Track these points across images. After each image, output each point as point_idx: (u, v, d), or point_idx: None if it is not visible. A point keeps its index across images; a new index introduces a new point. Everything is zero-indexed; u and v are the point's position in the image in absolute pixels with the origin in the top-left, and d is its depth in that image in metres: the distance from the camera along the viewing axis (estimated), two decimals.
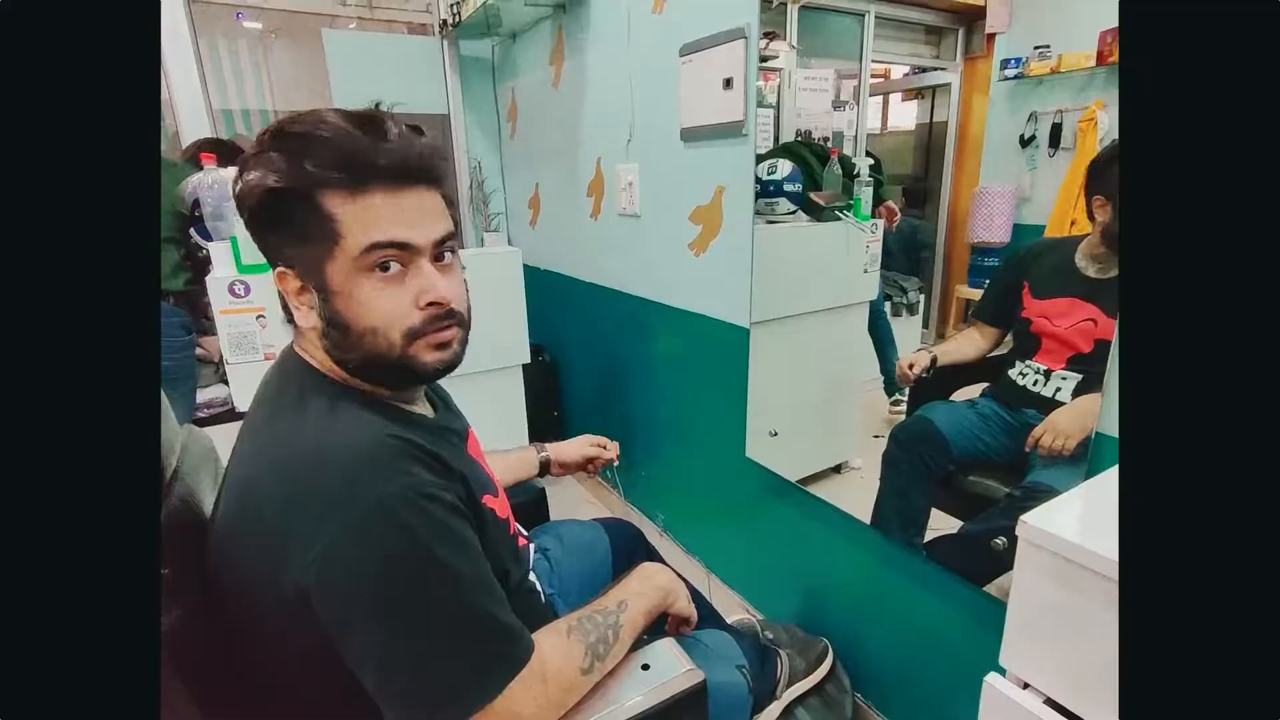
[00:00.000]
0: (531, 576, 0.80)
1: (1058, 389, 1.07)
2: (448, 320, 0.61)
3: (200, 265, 1.59)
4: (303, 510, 0.52)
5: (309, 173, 0.54)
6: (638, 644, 0.67)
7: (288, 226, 0.56)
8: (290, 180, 0.54)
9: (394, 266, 0.57)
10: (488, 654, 0.54)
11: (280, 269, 0.58)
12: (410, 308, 0.59)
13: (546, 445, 1.07)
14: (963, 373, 1.29)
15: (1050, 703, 0.56)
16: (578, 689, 0.60)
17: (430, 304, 0.59)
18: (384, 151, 0.55)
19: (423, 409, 0.69)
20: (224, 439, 0.76)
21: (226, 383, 1.58)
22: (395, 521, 0.51)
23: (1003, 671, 0.61)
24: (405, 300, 0.58)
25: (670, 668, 0.62)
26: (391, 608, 0.52)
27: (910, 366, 1.24)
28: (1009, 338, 1.22)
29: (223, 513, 0.59)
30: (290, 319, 0.62)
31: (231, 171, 1.52)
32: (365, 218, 0.55)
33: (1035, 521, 0.55)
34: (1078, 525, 0.54)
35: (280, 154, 0.54)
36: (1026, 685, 0.58)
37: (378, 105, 0.59)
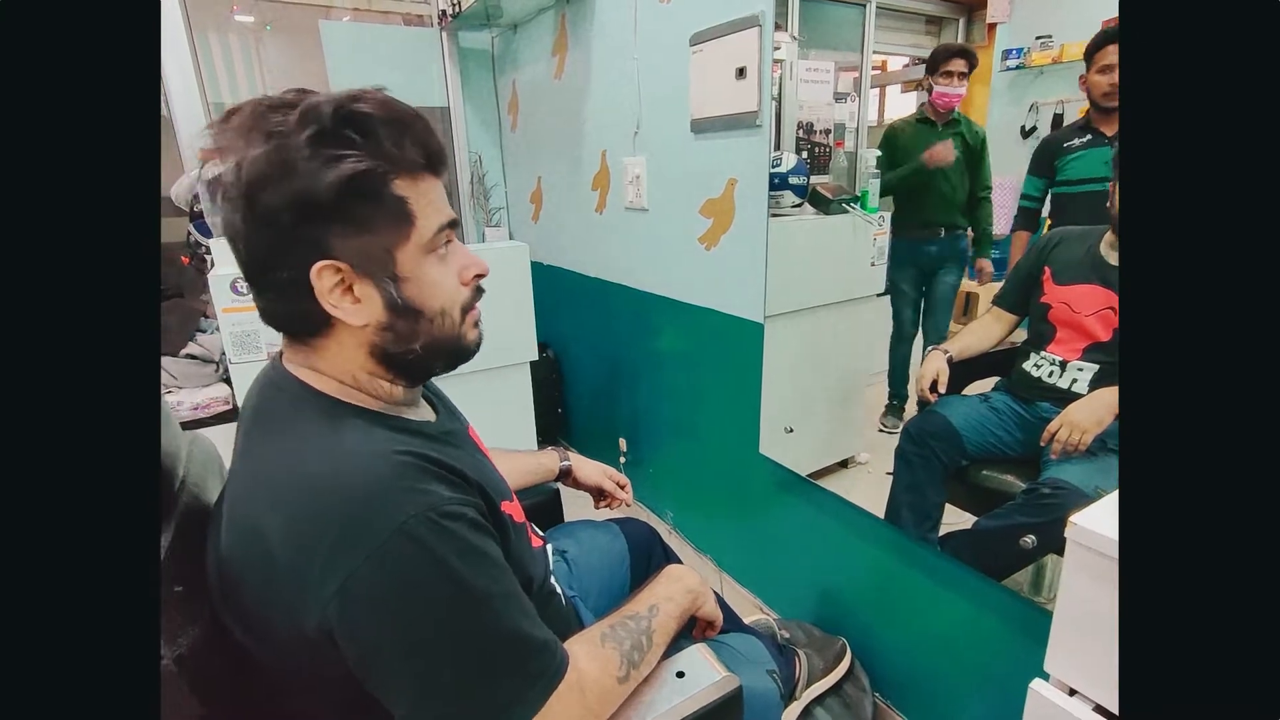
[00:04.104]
0: (552, 579, 0.78)
1: (1074, 380, 1.06)
2: (481, 294, 0.63)
3: (199, 263, 1.56)
4: (316, 544, 0.48)
5: (397, 155, 0.52)
6: (669, 650, 0.66)
7: (350, 215, 0.51)
8: (382, 163, 0.51)
9: (444, 247, 0.58)
10: (524, 674, 0.52)
11: (323, 264, 0.51)
12: (458, 285, 0.59)
13: (570, 455, 1.05)
14: (975, 367, 1.28)
15: (1100, 710, 0.55)
16: (614, 698, 0.58)
17: (477, 276, 0.61)
18: (436, 138, 0.56)
19: (425, 414, 0.66)
20: (226, 438, 0.73)
21: (228, 382, 1.55)
22: (417, 546, 0.48)
23: (1046, 677, 0.59)
24: (456, 278, 0.59)
25: (706, 675, 0.61)
26: (421, 639, 0.49)
27: (933, 385, 1.21)
28: (1022, 329, 1.21)
29: (227, 552, 0.54)
30: (300, 329, 0.56)
31: None
32: (426, 200, 0.55)
33: (1085, 523, 0.54)
34: None
35: (363, 138, 0.51)
36: (1074, 692, 0.57)
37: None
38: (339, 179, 0.49)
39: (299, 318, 0.55)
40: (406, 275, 0.55)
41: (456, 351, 0.62)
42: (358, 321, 0.55)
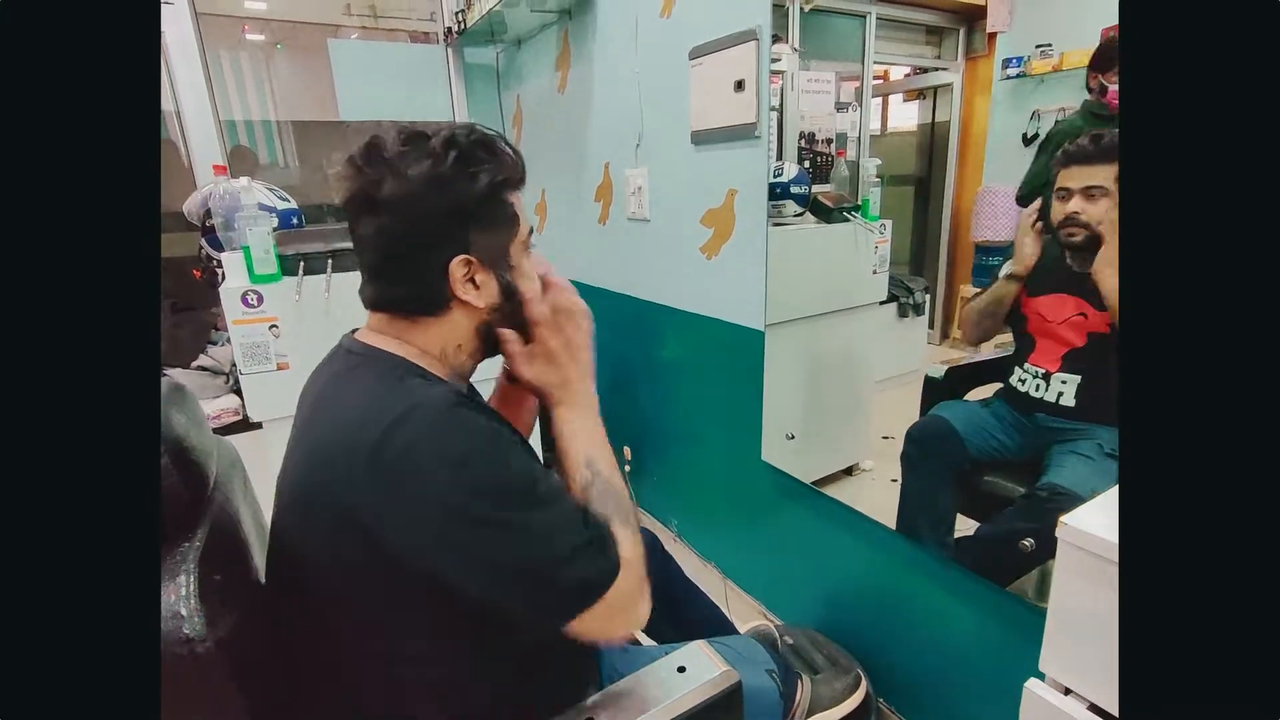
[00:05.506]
0: None
1: (1060, 393, 1.07)
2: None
3: (210, 276, 1.59)
4: (385, 434, 0.54)
5: (510, 169, 0.64)
6: (671, 649, 0.67)
7: (484, 216, 0.63)
8: (505, 174, 0.63)
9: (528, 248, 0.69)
10: (592, 546, 0.59)
11: (462, 256, 0.62)
12: (535, 278, 0.70)
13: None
14: (975, 374, 1.29)
15: (1094, 709, 0.55)
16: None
17: (543, 276, 0.71)
18: (522, 158, 0.67)
19: None
20: (240, 446, 0.80)
21: (238, 393, 1.58)
22: (471, 424, 0.57)
23: (1042, 677, 0.60)
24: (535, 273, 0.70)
25: (706, 670, 0.62)
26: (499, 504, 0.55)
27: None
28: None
29: (299, 478, 0.60)
30: (421, 309, 0.64)
31: (243, 181, 1.53)
32: (521, 207, 0.67)
33: (1075, 523, 0.55)
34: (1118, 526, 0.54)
35: (490, 155, 0.63)
36: (1068, 691, 0.58)
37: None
38: (484, 187, 0.62)
39: (427, 300, 0.64)
40: (514, 265, 0.67)
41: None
42: (481, 303, 0.65)
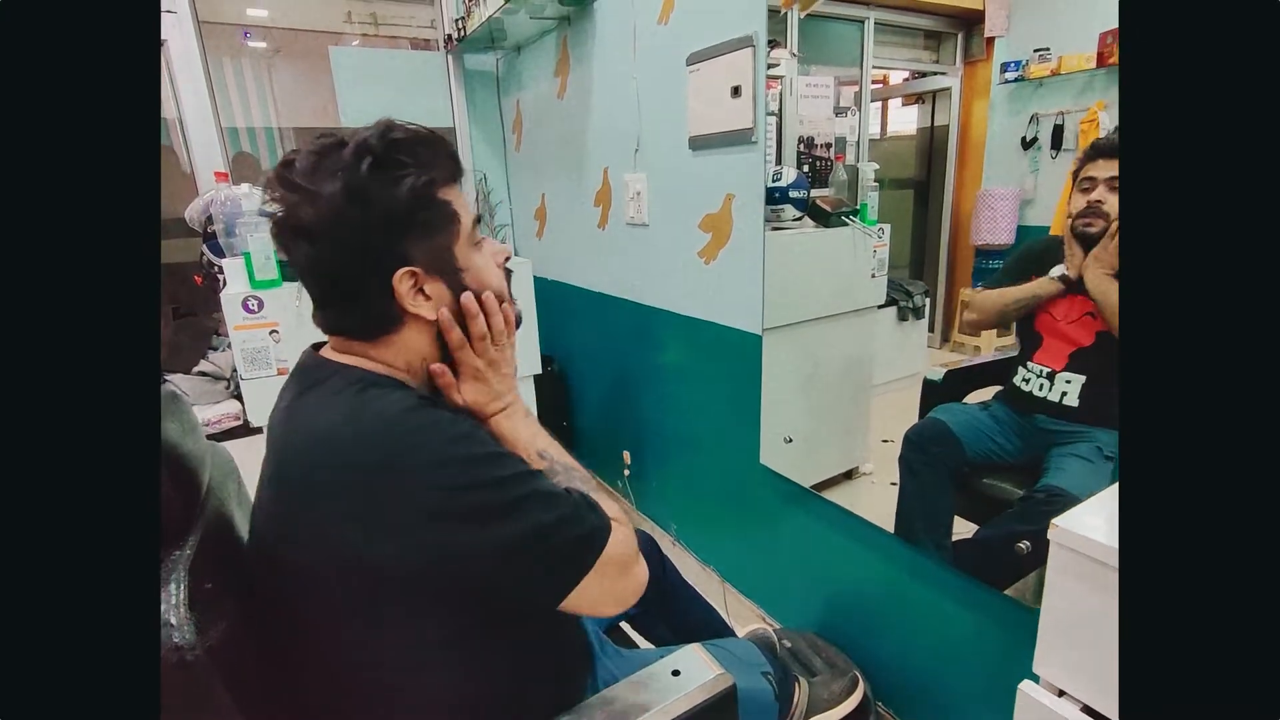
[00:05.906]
0: None
1: (1064, 394, 1.07)
2: (510, 275, 0.71)
3: (211, 282, 1.60)
4: (379, 464, 0.53)
5: (436, 166, 0.59)
6: (667, 652, 0.67)
7: (417, 223, 0.59)
8: (429, 174, 0.59)
9: (478, 239, 0.66)
10: (584, 505, 0.60)
11: (403, 270, 0.59)
12: (495, 268, 0.67)
13: None
14: (974, 377, 1.29)
15: (1088, 710, 0.55)
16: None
17: (505, 259, 0.69)
18: (455, 149, 0.63)
19: None
20: (238, 451, 0.80)
21: (238, 398, 1.59)
22: (434, 423, 0.56)
23: (1036, 679, 0.60)
24: (492, 263, 0.67)
25: (700, 673, 0.62)
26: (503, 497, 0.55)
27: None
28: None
29: (276, 495, 0.59)
30: (375, 330, 0.62)
31: (245, 188, 1.54)
32: (460, 201, 0.63)
33: (1067, 525, 0.55)
34: (1110, 528, 0.54)
35: (410, 158, 0.58)
36: (1062, 693, 0.58)
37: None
38: (407, 193, 0.57)
39: (378, 320, 0.61)
40: (464, 267, 0.63)
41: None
42: (433, 315, 0.62)
